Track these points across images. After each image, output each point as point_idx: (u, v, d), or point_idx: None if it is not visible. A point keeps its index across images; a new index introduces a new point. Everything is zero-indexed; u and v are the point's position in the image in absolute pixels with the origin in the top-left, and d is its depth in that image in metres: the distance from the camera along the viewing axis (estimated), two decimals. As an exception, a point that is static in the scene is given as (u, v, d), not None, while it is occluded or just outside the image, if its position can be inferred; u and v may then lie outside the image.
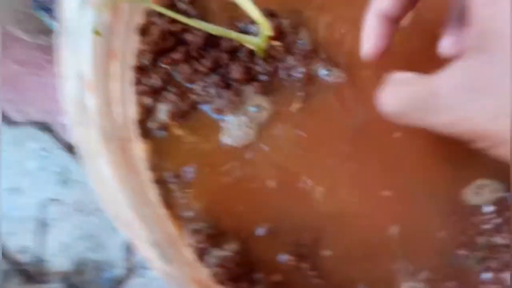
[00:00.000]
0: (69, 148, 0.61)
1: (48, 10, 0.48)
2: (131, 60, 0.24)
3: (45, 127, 0.62)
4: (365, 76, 0.26)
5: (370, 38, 0.21)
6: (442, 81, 0.16)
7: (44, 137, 0.62)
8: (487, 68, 0.15)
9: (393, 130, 0.25)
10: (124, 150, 0.21)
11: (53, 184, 0.61)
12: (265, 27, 0.21)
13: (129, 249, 0.57)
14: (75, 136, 0.16)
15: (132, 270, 0.55)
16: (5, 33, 0.65)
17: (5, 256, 0.58)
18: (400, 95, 0.18)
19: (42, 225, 0.59)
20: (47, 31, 0.54)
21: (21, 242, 0.59)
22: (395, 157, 0.25)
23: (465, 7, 0.17)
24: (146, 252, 0.16)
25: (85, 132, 0.16)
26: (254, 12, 0.20)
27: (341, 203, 0.25)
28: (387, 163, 0.25)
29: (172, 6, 0.25)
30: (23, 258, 0.58)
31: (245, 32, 0.25)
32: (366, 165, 0.25)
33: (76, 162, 0.60)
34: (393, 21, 0.21)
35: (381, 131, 0.25)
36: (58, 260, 0.59)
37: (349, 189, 0.25)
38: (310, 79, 0.25)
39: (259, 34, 0.22)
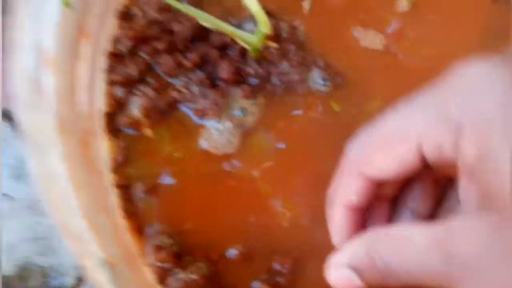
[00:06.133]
0: (29, 140, 0.56)
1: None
2: (106, 45, 0.21)
3: (4, 115, 0.57)
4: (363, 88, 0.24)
5: (338, 231, 0.19)
6: (461, 246, 0.15)
7: (3, 126, 0.57)
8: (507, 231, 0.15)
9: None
10: (86, 145, 0.18)
11: (7, 177, 0.55)
12: (263, 23, 0.18)
13: (82, 257, 0.52)
14: (23, 121, 0.13)
15: (82, 279, 0.50)
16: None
17: None
18: (405, 252, 0.16)
19: (-12, 222, 0.54)
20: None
21: (-38, 239, 0.53)
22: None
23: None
24: (94, 274, 0.13)
25: (38, 117, 0.13)
26: (254, 5, 0.18)
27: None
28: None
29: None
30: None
31: (239, 28, 0.23)
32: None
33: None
34: (362, 210, 0.19)
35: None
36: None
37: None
38: (304, 87, 0.23)
39: (256, 32, 0.20)
